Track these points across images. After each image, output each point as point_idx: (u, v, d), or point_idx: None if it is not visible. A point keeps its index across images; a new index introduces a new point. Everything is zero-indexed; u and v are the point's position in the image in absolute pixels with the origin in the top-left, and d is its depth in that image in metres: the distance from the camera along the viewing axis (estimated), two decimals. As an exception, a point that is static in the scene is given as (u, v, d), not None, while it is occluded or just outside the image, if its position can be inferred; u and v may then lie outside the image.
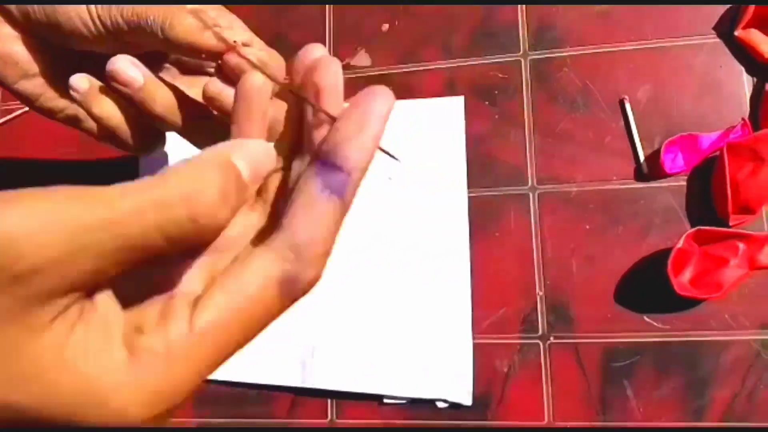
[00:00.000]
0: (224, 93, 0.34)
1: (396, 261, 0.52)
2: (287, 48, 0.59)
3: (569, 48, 0.53)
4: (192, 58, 0.38)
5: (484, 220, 0.52)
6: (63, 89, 0.38)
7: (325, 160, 0.22)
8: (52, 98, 0.39)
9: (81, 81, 0.35)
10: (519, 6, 0.55)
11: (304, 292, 0.23)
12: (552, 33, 0.54)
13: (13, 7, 0.35)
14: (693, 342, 0.48)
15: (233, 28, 0.36)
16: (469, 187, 0.53)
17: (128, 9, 0.33)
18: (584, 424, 0.48)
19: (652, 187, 0.50)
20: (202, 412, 0.54)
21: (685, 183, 0.50)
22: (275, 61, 0.35)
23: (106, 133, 0.37)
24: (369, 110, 0.23)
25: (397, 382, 0.50)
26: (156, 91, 0.35)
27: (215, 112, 0.35)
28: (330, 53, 0.58)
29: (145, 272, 0.22)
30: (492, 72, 0.54)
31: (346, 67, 0.58)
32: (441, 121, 0.54)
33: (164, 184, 0.20)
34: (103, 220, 0.18)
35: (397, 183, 0.54)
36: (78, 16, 0.34)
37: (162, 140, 0.40)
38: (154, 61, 0.39)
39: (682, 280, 0.47)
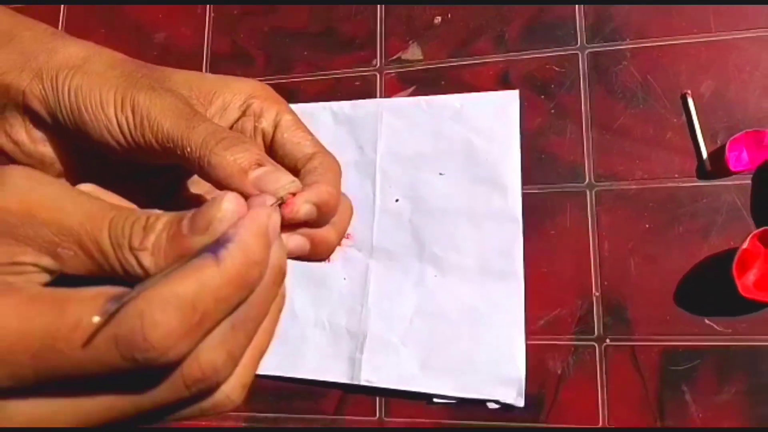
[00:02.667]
0: (291, 244, 0.31)
1: (448, 258, 0.51)
2: (338, 43, 0.59)
3: (629, 41, 0.52)
4: None
5: (539, 218, 0.51)
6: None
7: None
8: None
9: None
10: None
11: (149, 341, 0.19)
12: (611, 25, 0.52)
13: (42, 110, 0.34)
14: (756, 347, 0.46)
15: (296, 143, 0.33)
16: (523, 184, 0.51)
17: (162, 133, 0.31)
18: (641, 429, 0.47)
19: (715, 185, 0.49)
20: (251, 406, 0.54)
21: (749, 181, 0.48)
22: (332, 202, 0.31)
23: None
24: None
25: (448, 382, 0.49)
26: None
27: None
28: (381, 46, 0.57)
29: None
30: (548, 65, 0.53)
31: (397, 61, 0.57)
32: (495, 116, 0.53)
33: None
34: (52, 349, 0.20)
35: (450, 179, 0.53)
36: (107, 129, 0.32)
37: None
38: None
39: (747, 282, 0.46)
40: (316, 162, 0.32)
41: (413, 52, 0.56)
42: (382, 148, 0.55)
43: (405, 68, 0.56)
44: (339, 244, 0.33)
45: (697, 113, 0.49)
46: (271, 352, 0.55)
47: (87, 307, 0.20)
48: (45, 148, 0.35)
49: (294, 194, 0.29)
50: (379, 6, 0.58)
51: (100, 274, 0.23)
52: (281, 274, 0.25)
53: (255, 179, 0.29)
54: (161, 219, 0.23)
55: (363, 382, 0.51)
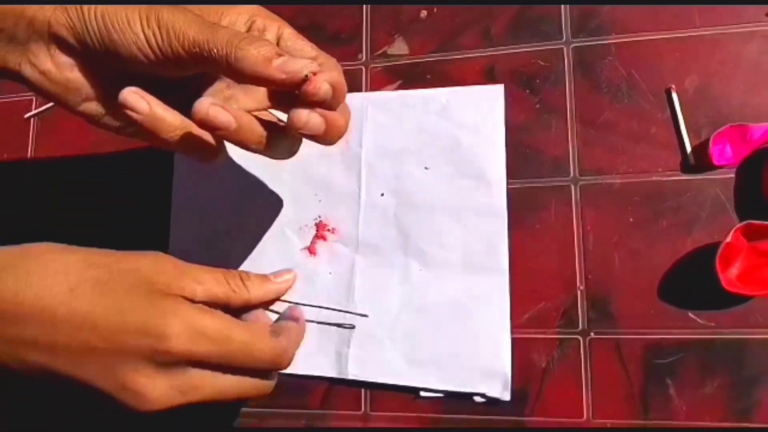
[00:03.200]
0: (312, 120, 0.36)
1: (433, 252, 0.51)
2: (324, 37, 0.59)
3: (614, 35, 0.52)
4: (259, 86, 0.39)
5: (524, 213, 0.51)
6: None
7: None
8: (115, 116, 0.40)
9: (138, 102, 0.35)
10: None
11: (286, 360, 0.42)
12: (595, 20, 0.52)
13: (70, 37, 0.36)
14: (740, 340, 0.46)
15: (299, 49, 0.39)
16: (508, 178, 0.51)
17: (189, 40, 0.34)
18: (625, 423, 0.47)
19: (699, 179, 0.49)
20: (235, 402, 0.53)
21: (733, 175, 0.48)
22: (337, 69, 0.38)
23: (171, 147, 0.37)
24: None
25: (434, 375, 0.50)
26: (160, 120, 0.36)
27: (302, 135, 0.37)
28: (367, 41, 0.57)
29: None
30: (533, 60, 0.53)
31: (383, 55, 0.57)
32: (480, 110, 0.53)
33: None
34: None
35: (435, 173, 0.53)
36: (136, 45, 0.35)
37: (222, 150, 0.40)
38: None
39: (730, 276, 0.46)
40: (321, 59, 0.38)
41: (399, 47, 0.56)
42: (367, 142, 0.55)
43: (391, 62, 0.56)
44: (345, 130, 0.40)
45: (681, 108, 0.50)
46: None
47: (261, 334, 0.39)
48: (72, 74, 0.38)
49: (315, 74, 0.34)
50: (364, 3, 0.58)
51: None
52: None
53: (279, 65, 0.33)
54: (252, 276, 0.43)
55: (350, 376, 0.51)
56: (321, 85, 0.34)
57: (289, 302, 0.48)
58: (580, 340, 0.49)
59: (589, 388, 0.48)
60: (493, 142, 0.52)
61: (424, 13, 0.56)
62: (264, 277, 0.43)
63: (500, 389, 0.49)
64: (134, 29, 0.34)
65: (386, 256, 0.53)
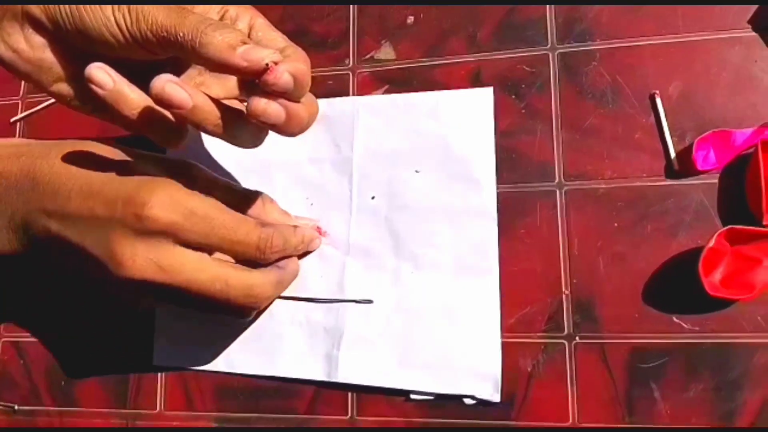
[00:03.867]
0: (270, 109, 0.36)
1: (424, 255, 0.52)
2: (311, 42, 0.59)
3: (599, 41, 0.52)
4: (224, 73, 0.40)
5: (510, 217, 0.51)
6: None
7: None
8: (84, 98, 0.41)
9: (103, 77, 0.35)
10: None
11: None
12: (581, 26, 0.53)
13: (42, 16, 0.37)
14: (723, 344, 0.47)
15: (270, 39, 0.40)
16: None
17: (157, 24, 0.35)
18: (610, 426, 0.47)
19: (683, 184, 0.49)
20: (222, 406, 0.53)
21: (717, 180, 0.49)
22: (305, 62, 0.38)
23: (134, 127, 0.38)
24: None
25: (425, 378, 0.50)
26: (124, 96, 0.36)
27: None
28: (354, 46, 0.58)
29: None
30: (519, 65, 0.53)
31: (370, 61, 0.57)
32: (469, 113, 0.53)
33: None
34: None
35: (426, 176, 0.53)
36: (105, 27, 0.35)
37: (183, 134, 0.40)
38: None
39: (713, 281, 0.46)
40: (289, 51, 0.38)
41: (386, 52, 0.57)
42: (358, 145, 0.55)
43: (378, 68, 0.56)
44: (308, 125, 0.40)
45: (665, 113, 0.50)
46: (249, 350, 0.56)
47: (249, 222, 0.43)
48: (44, 54, 0.38)
49: (276, 63, 0.34)
50: (351, 5, 0.58)
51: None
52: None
53: (243, 53, 0.34)
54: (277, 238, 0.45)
55: (340, 380, 0.51)
56: (281, 75, 0.35)
57: (285, 298, 0.50)
58: (565, 345, 0.49)
59: (575, 392, 0.48)
60: (482, 144, 0.52)
61: (410, 19, 0.57)
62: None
63: (491, 391, 0.49)
64: (105, 12, 0.35)
65: (377, 258, 0.53)
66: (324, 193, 0.55)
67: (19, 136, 0.63)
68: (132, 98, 0.36)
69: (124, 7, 0.35)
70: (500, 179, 0.52)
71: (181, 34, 0.34)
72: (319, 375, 0.52)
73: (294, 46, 0.40)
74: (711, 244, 0.45)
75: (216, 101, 0.37)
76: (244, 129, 0.39)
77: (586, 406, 0.48)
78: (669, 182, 0.49)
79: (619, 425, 0.47)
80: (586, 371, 0.48)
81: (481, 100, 0.53)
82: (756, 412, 0.45)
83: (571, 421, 0.48)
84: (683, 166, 0.49)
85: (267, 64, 0.34)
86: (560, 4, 0.53)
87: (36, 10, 0.36)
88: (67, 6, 0.36)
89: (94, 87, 0.35)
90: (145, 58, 0.38)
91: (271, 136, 0.42)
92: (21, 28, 0.37)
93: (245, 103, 0.38)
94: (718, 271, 0.47)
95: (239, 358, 0.53)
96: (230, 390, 0.53)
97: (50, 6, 0.36)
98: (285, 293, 0.52)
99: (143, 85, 0.37)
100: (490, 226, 0.51)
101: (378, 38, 0.57)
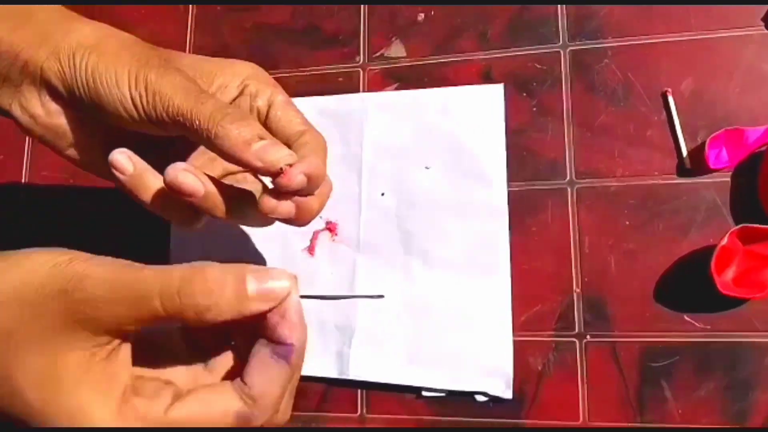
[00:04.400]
0: (280, 207, 0.35)
1: (434, 252, 0.52)
2: (322, 39, 0.59)
3: (610, 39, 0.52)
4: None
5: (521, 215, 0.51)
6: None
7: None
8: (101, 164, 0.39)
9: (125, 163, 0.35)
10: (558, -4, 0.54)
11: (257, 430, 0.30)
12: (592, 23, 0.53)
13: (59, 85, 0.36)
14: (735, 343, 0.47)
15: (288, 120, 0.38)
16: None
17: (173, 107, 0.34)
18: (621, 425, 0.47)
19: (695, 182, 0.49)
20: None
21: (729, 179, 0.48)
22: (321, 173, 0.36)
23: (150, 209, 0.37)
24: (275, 296, 0.29)
25: (436, 375, 0.50)
26: (143, 182, 0.36)
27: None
28: (364, 43, 0.57)
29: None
30: (530, 63, 0.53)
31: (380, 58, 0.57)
32: (480, 109, 0.53)
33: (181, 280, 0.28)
34: (130, 281, 0.27)
35: (436, 173, 0.53)
36: (120, 103, 0.34)
37: (200, 219, 0.39)
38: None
39: (726, 279, 0.46)
40: (307, 137, 0.37)
41: (396, 49, 0.56)
42: (368, 142, 0.55)
43: (388, 65, 0.56)
44: (319, 212, 0.39)
45: (677, 111, 0.50)
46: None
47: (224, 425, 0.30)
48: (60, 120, 0.38)
49: (290, 165, 0.33)
50: (362, 2, 0.58)
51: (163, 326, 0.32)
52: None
53: (257, 151, 0.33)
54: (222, 285, 0.28)
55: (352, 376, 0.51)
56: (294, 178, 0.34)
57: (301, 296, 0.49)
58: (576, 343, 0.49)
59: (585, 391, 0.48)
60: (493, 141, 0.52)
61: (421, 16, 0.56)
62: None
63: (503, 388, 0.49)
64: (121, 88, 0.34)
65: (387, 256, 0.53)
66: (334, 190, 0.55)
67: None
68: (149, 184, 0.35)
69: (141, 84, 0.34)
70: (511, 177, 0.52)
71: (197, 122, 0.33)
72: (330, 372, 0.52)
73: (312, 131, 0.38)
74: (724, 242, 0.45)
75: (227, 187, 0.37)
76: (253, 216, 0.38)
77: (596, 405, 0.48)
78: (681, 180, 0.49)
79: (629, 424, 0.47)
80: (597, 370, 0.48)
81: (492, 96, 0.53)
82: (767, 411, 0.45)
83: (581, 419, 0.48)
84: (695, 165, 0.49)
85: (281, 168, 0.33)
86: (572, 4, 0.53)
87: (54, 78, 0.35)
88: (84, 77, 0.35)
89: (115, 172, 0.35)
90: (161, 134, 0.37)
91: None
92: (38, 93, 0.37)
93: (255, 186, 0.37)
94: (731, 270, 0.46)
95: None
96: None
97: (67, 74, 0.35)
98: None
99: (159, 153, 0.37)
100: (501, 223, 0.51)
101: (388, 36, 0.57)
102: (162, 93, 0.34)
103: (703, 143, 0.48)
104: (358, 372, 0.51)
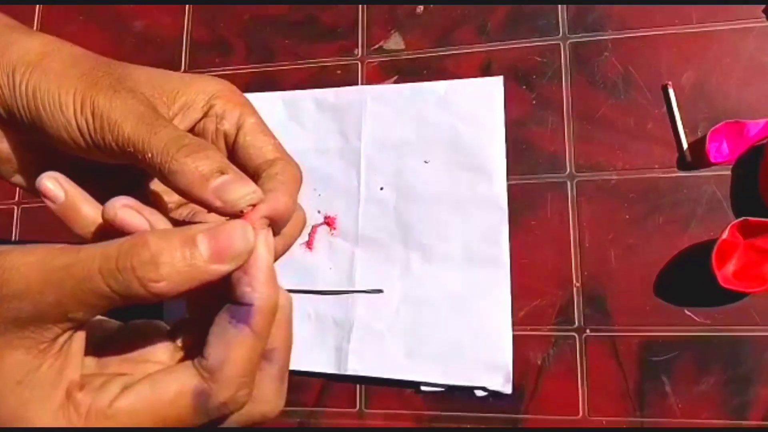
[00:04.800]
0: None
1: (433, 246, 0.51)
2: (320, 32, 0.58)
3: (610, 31, 0.52)
4: None
5: (521, 208, 0.51)
6: None
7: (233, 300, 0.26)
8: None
9: (55, 190, 0.30)
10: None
11: (221, 411, 0.26)
12: (592, 16, 0.52)
13: None
14: (735, 337, 0.46)
15: (258, 147, 0.33)
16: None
17: (123, 137, 0.30)
18: (620, 420, 0.47)
19: (696, 176, 0.49)
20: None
21: (729, 172, 0.48)
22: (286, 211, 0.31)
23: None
24: (235, 254, 0.26)
25: (435, 370, 0.49)
26: (76, 212, 0.30)
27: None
28: (363, 35, 0.57)
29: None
30: (530, 55, 0.53)
31: (379, 50, 0.56)
32: (479, 102, 0.52)
33: (119, 249, 0.24)
34: (65, 264, 0.24)
35: (435, 166, 0.52)
36: (65, 129, 0.31)
37: None
38: None
39: (726, 273, 0.46)
40: (278, 168, 0.32)
41: (395, 42, 0.56)
42: (366, 135, 0.54)
43: (387, 58, 0.56)
44: (283, 254, 0.33)
45: (677, 104, 0.49)
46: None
47: (180, 409, 0.26)
48: (1, 144, 0.33)
49: (254, 205, 0.28)
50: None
51: (119, 308, 0.26)
52: (291, 306, 0.30)
53: (216, 188, 0.28)
54: (168, 250, 0.24)
55: (350, 372, 0.51)
56: (255, 222, 0.29)
57: (293, 291, 0.48)
58: (576, 337, 0.48)
59: (585, 385, 0.48)
60: (492, 134, 0.52)
61: (420, 9, 0.56)
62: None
63: (502, 382, 0.48)
64: (66, 113, 0.31)
65: (386, 249, 0.52)
66: (332, 184, 0.55)
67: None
68: (83, 214, 0.30)
69: (88, 110, 0.30)
70: (511, 170, 0.51)
71: (150, 155, 0.29)
72: (329, 367, 0.51)
73: (284, 159, 0.32)
74: (724, 236, 0.44)
75: (183, 223, 0.32)
76: None
77: (596, 399, 0.48)
78: (681, 174, 0.49)
79: (629, 419, 0.47)
80: (597, 364, 0.48)
81: (492, 89, 0.53)
82: (768, 405, 0.45)
83: (581, 414, 0.48)
84: (696, 158, 0.49)
85: (241, 212, 0.28)
86: (570, 4, 0.53)
87: None
88: (24, 98, 0.31)
89: (44, 200, 0.30)
90: (111, 162, 0.32)
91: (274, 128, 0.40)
92: None
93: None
94: (731, 264, 0.46)
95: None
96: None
97: (6, 95, 0.31)
98: (294, 286, 0.51)
99: (111, 181, 0.33)
100: (501, 217, 0.51)
101: (387, 28, 0.56)
102: (111, 120, 0.30)
103: (704, 136, 0.48)
104: (356, 367, 0.51)
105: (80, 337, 0.27)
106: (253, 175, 0.31)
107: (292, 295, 0.52)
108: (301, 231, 0.34)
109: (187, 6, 0.61)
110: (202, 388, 0.25)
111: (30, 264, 0.25)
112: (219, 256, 0.25)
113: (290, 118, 0.56)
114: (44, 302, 0.24)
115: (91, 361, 0.28)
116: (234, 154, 0.33)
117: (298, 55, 0.58)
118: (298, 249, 0.54)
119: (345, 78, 0.56)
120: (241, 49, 0.59)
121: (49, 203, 0.30)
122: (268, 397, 0.28)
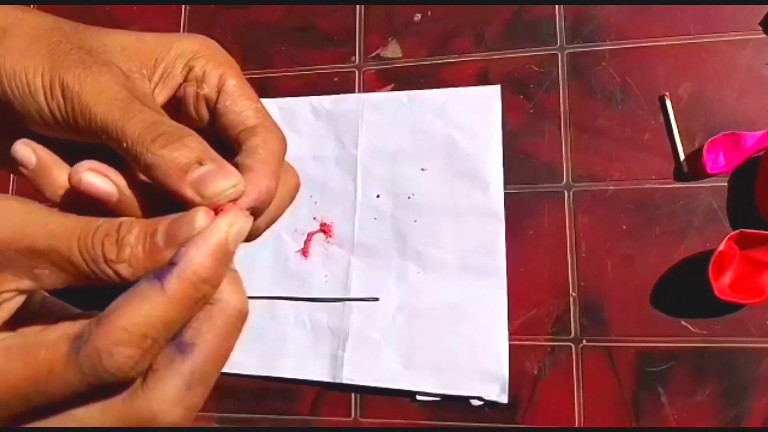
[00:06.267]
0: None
1: (430, 255, 0.51)
2: (317, 39, 0.58)
3: (608, 42, 0.52)
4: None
5: (517, 218, 0.51)
6: None
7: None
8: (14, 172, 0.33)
9: (28, 155, 0.29)
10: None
11: (92, 361, 0.22)
12: (590, 26, 0.52)
13: None
14: (731, 348, 0.46)
15: (239, 112, 0.31)
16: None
17: (95, 122, 0.28)
18: (617, 430, 0.47)
19: (692, 187, 0.49)
20: (224, 406, 0.53)
21: (726, 183, 0.48)
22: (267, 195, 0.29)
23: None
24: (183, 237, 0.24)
25: (431, 379, 0.49)
26: (50, 179, 0.29)
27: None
28: (360, 43, 0.57)
29: None
30: (527, 65, 0.53)
31: (376, 58, 0.56)
32: (476, 111, 0.52)
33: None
34: (49, 221, 0.24)
35: (432, 174, 0.52)
36: (38, 113, 0.29)
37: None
38: None
39: (722, 284, 0.46)
40: (258, 140, 0.30)
41: (392, 50, 0.56)
42: (363, 143, 0.54)
43: (384, 65, 0.56)
44: (266, 229, 0.32)
45: (674, 115, 0.49)
46: (251, 351, 0.55)
47: (54, 353, 0.23)
48: None
49: (234, 200, 0.27)
50: (358, 3, 0.57)
51: (78, 284, 0.25)
52: (242, 317, 0.25)
53: (194, 181, 0.27)
54: (133, 232, 0.24)
55: (345, 381, 0.51)
56: (237, 217, 0.27)
57: (288, 298, 0.48)
58: (572, 347, 0.48)
59: (581, 395, 0.48)
60: (489, 142, 0.52)
61: (418, 17, 0.56)
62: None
63: (498, 392, 0.48)
64: (37, 99, 0.29)
65: (382, 258, 0.52)
66: (328, 191, 0.54)
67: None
68: (56, 179, 0.29)
69: (58, 92, 0.28)
70: (507, 179, 0.51)
71: (125, 144, 0.27)
72: (324, 376, 0.51)
73: (267, 127, 0.31)
74: (721, 247, 0.44)
75: (151, 194, 0.30)
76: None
77: (592, 410, 0.48)
78: (678, 185, 0.49)
79: (626, 429, 0.47)
80: (593, 374, 0.48)
81: (489, 98, 0.53)
82: (763, 417, 0.45)
83: (577, 423, 0.48)
84: (692, 169, 0.49)
85: (220, 206, 0.27)
86: (569, 4, 0.53)
87: None
88: None
89: (19, 167, 0.29)
90: (93, 142, 0.30)
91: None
92: None
93: None
94: (728, 275, 0.46)
95: (241, 358, 0.52)
96: (232, 391, 0.53)
97: None
98: (289, 294, 0.51)
99: (89, 155, 0.30)
100: (497, 226, 0.51)
101: (385, 36, 0.56)
102: (82, 103, 0.28)
103: (701, 148, 0.48)
104: (351, 376, 0.50)
105: (12, 305, 0.25)
106: (235, 142, 0.30)
107: (289, 303, 0.52)
108: (291, 199, 0.32)
109: (183, 13, 0.61)
110: (82, 331, 0.23)
111: (14, 210, 0.25)
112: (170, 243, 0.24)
113: (287, 125, 0.56)
114: (16, 248, 0.24)
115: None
116: (215, 120, 0.31)
117: (295, 62, 0.58)
118: (293, 256, 0.54)
119: (342, 85, 0.56)
120: (237, 56, 0.58)
121: (22, 169, 0.29)
122: (165, 397, 0.24)
